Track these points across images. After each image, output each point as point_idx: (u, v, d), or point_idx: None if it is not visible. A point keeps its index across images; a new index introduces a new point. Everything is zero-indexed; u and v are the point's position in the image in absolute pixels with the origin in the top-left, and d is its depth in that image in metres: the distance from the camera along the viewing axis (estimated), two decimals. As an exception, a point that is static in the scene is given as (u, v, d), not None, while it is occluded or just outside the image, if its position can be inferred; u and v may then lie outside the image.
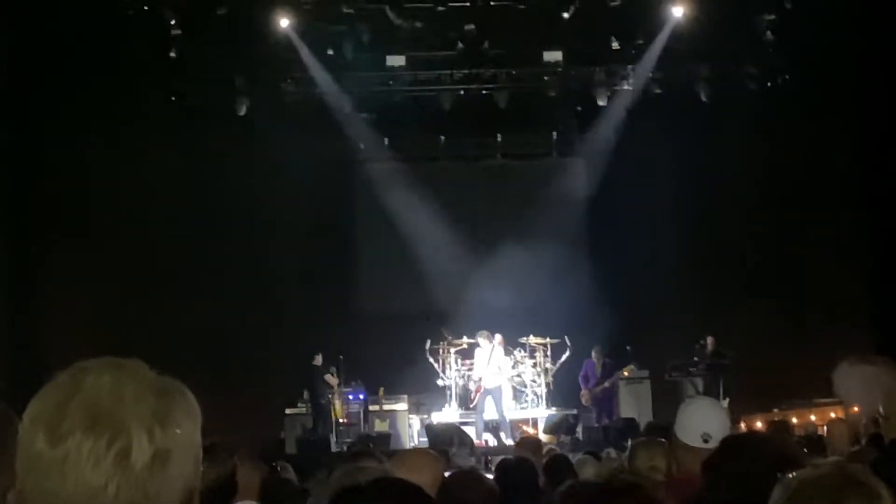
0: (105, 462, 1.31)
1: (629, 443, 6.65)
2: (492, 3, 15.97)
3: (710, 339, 15.45)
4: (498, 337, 15.57)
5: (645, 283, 16.86)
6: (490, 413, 15.38)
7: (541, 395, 16.13)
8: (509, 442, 13.96)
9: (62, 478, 1.31)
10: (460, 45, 16.57)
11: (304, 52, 16.43)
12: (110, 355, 1.43)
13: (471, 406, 15.79)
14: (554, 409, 15.94)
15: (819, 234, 16.96)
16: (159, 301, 16.15)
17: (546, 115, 18.06)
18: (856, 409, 12.39)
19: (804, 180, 17.15)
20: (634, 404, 15.83)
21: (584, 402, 16.10)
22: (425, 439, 14.75)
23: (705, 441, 3.91)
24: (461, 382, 16.11)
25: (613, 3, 15.61)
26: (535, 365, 16.27)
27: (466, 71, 17.01)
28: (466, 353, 16.01)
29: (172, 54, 15.85)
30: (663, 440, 4.83)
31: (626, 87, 17.36)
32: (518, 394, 16.32)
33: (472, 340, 15.72)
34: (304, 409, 15.72)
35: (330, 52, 16.66)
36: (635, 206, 17.33)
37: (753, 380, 15.22)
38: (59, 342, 14.57)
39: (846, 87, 16.86)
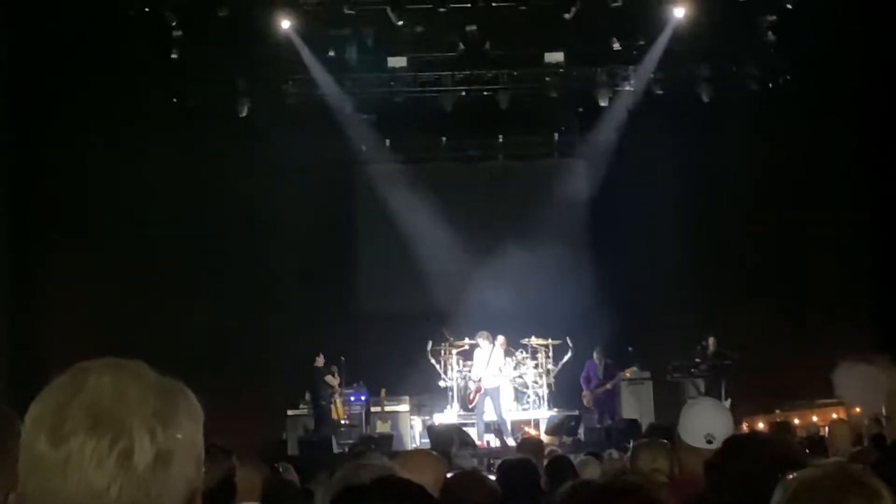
0: (107, 463, 1.30)
1: (631, 444, 6.64)
2: (493, 4, 15.97)
3: (711, 340, 15.45)
4: (500, 339, 15.57)
5: (646, 283, 16.87)
6: (490, 414, 15.38)
7: (542, 396, 16.14)
8: (511, 443, 13.95)
9: (64, 479, 1.30)
10: (462, 46, 16.57)
11: (306, 54, 16.43)
12: (110, 355, 1.43)
13: (469, 407, 15.79)
14: (555, 410, 15.95)
15: (819, 234, 16.96)
16: (159, 301, 16.15)
17: (547, 116, 18.08)
18: (857, 409, 12.41)
19: (805, 180, 17.15)
20: (636, 405, 15.82)
21: (585, 403, 16.09)
22: (427, 440, 14.74)
23: (709, 442, 3.91)
24: (463, 384, 16.12)
25: (615, 4, 15.60)
26: (536, 366, 16.28)
27: (468, 72, 17.00)
28: (468, 355, 16.02)
29: (174, 55, 15.84)
30: (665, 441, 4.83)
31: (627, 87, 17.37)
32: (520, 395, 16.32)
33: (472, 342, 15.72)
34: (306, 410, 15.72)
35: (331, 53, 16.66)
36: (636, 206, 17.33)
37: (755, 380, 15.22)
38: (59, 342, 14.56)
39: (847, 87, 16.85)
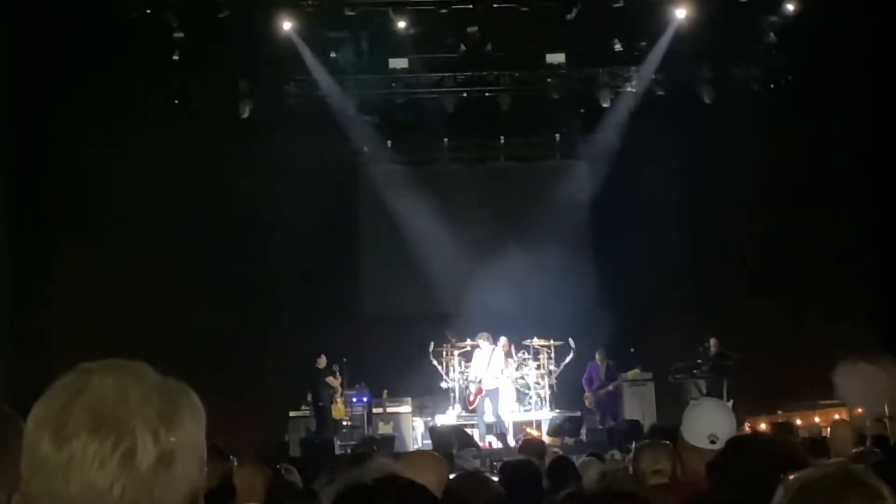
0: (110, 463, 1.30)
1: (633, 445, 6.64)
2: (494, 6, 15.96)
3: (713, 341, 15.45)
4: (503, 340, 15.58)
5: (647, 283, 16.87)
6: (490, 415, 15.38)
7: (544, 397, 16.14)
8: (513, 444, 13.95)
9: (67, 480, 1.30)
10: (463, 47, 16.54)
11: (307, 55, 16.42)
12: (111, 355, 1.43)
13: (470, 408, 15.79)
14: (558, 411, 15.94)
15: (820, 234, 16.97)
16: (160, 301, 16.15)
17: (549, 117, 18.08)
18: (859, 410, 12.38)
19: (805, 180, 17.16)
20: (638, 406, 15.83)
21: (587, 404, 16.10)
22: (429, 441, 14.74)
23: (712, 442, 3.90)
24: (464, 385, 16.12)
25: (616, 5, 15.59)
26: (538, 367, 16.28)
27: (469, 73, 17.00)
28: (470, 356, 16.02)
29: (175, 57, 15.83)
30: (668, 442, 4.82)
31: (628, 88, 17.37)
32: (522, 396, 16.32)
33: (474, 343, 15.72)
34: (308, 411, 15.72)
35: (332, 54, 16.66)
36: (637, 207, 17.34)
37: (757, 381, 15.23)
38: (59, 342, 14.57)
39: (847, 88, 16.86)
